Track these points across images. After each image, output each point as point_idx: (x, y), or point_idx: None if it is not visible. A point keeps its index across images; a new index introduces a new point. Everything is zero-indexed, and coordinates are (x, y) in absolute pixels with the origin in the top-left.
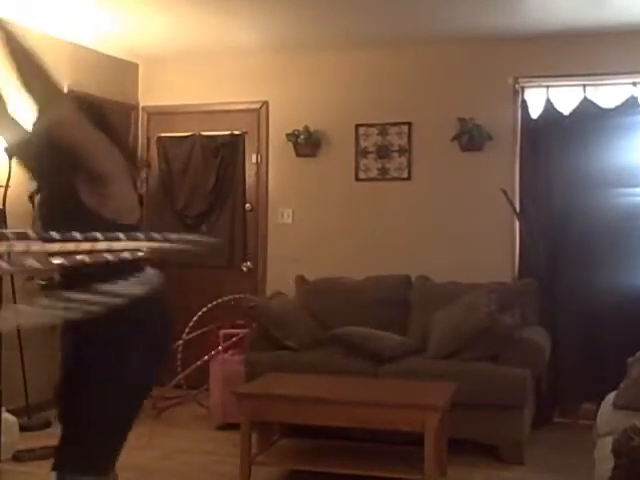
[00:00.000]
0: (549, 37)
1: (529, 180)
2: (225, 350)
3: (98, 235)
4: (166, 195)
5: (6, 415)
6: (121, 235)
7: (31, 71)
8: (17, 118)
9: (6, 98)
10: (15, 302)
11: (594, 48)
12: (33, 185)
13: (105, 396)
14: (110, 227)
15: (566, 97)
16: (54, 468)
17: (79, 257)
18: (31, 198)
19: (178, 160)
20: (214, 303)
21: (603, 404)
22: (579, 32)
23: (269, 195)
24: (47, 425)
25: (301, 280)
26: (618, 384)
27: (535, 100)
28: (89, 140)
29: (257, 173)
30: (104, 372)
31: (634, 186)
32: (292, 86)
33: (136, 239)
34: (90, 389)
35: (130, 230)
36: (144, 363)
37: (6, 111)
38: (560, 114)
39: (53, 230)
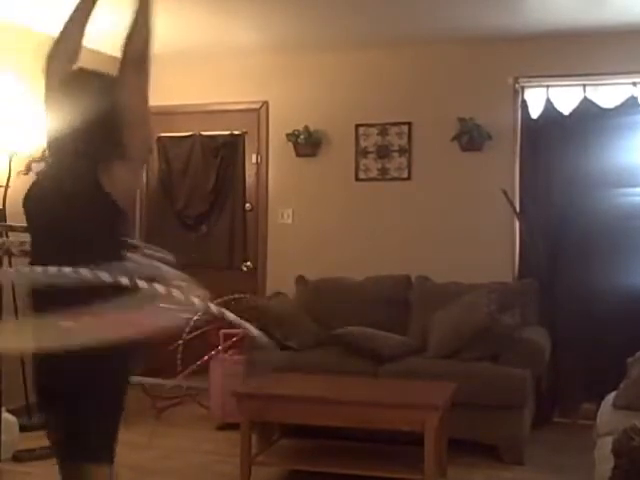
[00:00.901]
0: (549, 37)
1: (529, 180)
2: (225, 350)
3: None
4: (166, 195)
5: (6, 415)
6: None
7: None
8: None
9: None
10: (15, 302)
11: (594, 48)
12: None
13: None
14: (113, 210)
15: (566, 97)
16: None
17: None
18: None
19: (178, 160)
20: (214, 303)
21: (603, 404)
22: (579, 32)
23: (269, 195)
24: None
25: (301, 280)
26: (618, 384)
27: (535, 100)
28: (147, 114)
29: (257, 173)
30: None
31: (634, 186)
32: (292, 86)
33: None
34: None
35: (125, 216)
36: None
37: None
38: (560, 114)
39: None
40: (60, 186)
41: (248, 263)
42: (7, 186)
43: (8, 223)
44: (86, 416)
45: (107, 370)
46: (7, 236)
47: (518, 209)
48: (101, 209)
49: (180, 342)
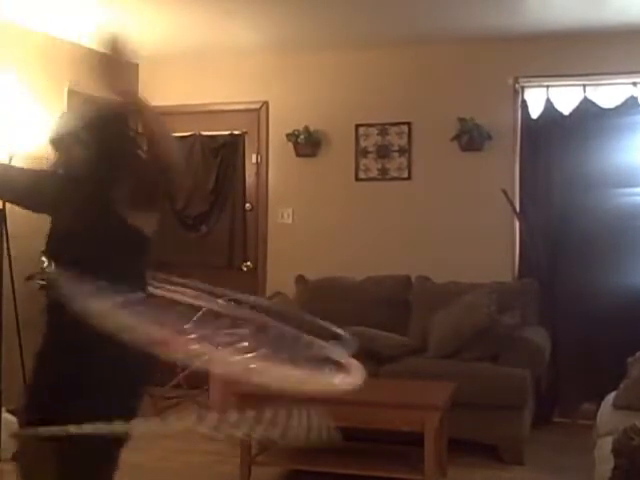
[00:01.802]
0: (549, 37)
1: (529, 180)
2: None
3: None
4: (166, 195)
5: (6, 415)
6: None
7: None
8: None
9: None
10: (15, 302)
11: (594, 48)
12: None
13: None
14: (136, 237)
15: (566, 97)
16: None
17: None
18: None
19: None
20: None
21: (603, 404)
22: (579, 32)
23: (269, 195)
24: None
25: (301, 280)
26: (618, 384)
27: (535, 100)
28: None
29: (257, 173)
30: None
31: (634, 186)
32: (292, 86)
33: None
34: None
35: (146, 240)
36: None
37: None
38: (560, 114)
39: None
40: (81, 226)
41: (248, 263)
42: None
43: None
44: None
45: (125, 372)
46: (7, 239)
47: (518, 209)
48: (126, 240)
49: None
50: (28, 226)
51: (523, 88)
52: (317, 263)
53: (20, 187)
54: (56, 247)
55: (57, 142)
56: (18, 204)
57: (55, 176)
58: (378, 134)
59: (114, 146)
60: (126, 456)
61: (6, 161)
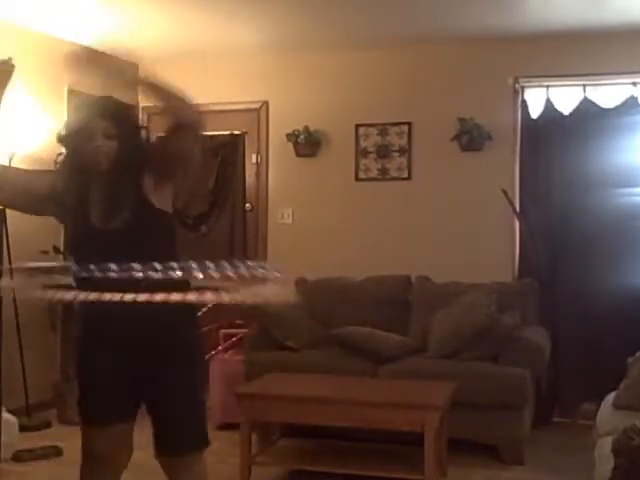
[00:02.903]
0: (549, 37)
1: (529, 180)
2: (225, 350)
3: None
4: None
5: (6, 415)
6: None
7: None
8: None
9: None
10: (15, 302)
11: (594, 48)
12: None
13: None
14: (165, 220)
15: (566, 97)
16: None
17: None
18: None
19: None
20: (214, 303)
21: (603, 404)
22: (579, 32)
23: (269, 195)
24: (47, 425)
25: (301, 280)
26: (618, 384)
27: (535, 100)
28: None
29: (257, 173)
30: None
31: (634, 186)
32: (292, 86)
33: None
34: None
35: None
36: None
37: None
38: (560, 114)
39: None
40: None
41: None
42: None
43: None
44: (199, 403)
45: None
46: (7, 239)
47: (518, 209)
48: (159, 224)
49: None
50: (28, 226)
51: (523, 88)
52: (317, 263)
53: (16, 188)
54: (82, 244)
55: (67, 137)
56: (13, 206)
57: (60, 173)
58: (378, 134)
59: (138, 135)
60: None
61: (6, 162)
